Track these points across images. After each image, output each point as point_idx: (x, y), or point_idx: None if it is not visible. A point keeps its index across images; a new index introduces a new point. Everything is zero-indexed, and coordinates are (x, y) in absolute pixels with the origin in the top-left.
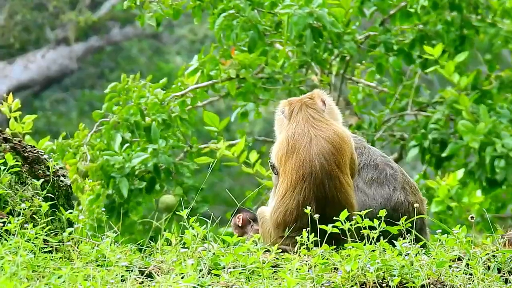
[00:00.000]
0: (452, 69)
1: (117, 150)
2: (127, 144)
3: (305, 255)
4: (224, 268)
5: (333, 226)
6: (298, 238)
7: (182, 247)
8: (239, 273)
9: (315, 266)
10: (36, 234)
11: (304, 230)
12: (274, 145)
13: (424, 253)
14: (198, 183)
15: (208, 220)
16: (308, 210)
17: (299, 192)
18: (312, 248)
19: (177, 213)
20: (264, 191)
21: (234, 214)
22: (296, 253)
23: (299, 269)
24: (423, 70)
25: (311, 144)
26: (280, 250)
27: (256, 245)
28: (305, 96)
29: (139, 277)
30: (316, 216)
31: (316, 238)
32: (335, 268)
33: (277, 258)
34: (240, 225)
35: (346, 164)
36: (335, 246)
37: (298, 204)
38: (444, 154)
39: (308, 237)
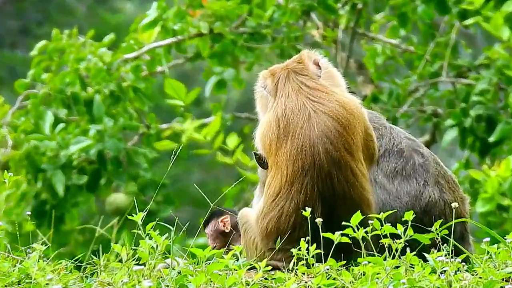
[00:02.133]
0: (499, 21)
1: (48, 133)
2: (61, 125)
3: (304, 273)
4: None
5: (342, 234)
6: (294, 250)
7: (136, 264)
8: None
9: None
10: None
11: (302, 239)
12: (258, 128)
13: (466, 271)
14: (158, 177)
15: (171, 227)
16: (307, 212)
17: (298, 190)
18: (313, 264)
19: (130, 217)
20: (247, 186)
21: (213, 217)
22: (292, 271)
23: None
24: (461, 22)
25: (310, 123)
26: (270, 268)
27: (237, 260)
28: (290, 61)
29: None
30: (319, 220)
31: (319, 251)
32: None
33: (266, 279)
34: (227, 230)
35: (358, 147)
36: (345, 262)
37: (297, 206)
38: (492, 139)
39: (308, 249)
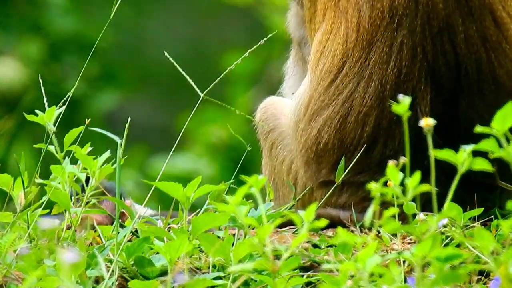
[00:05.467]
0: None
1: None
2: None
3: (394, 235)
4: (163, 272)
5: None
6: (373, 186)
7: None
8: None
9: (424, 266)
10: None
11: (391, 162)
12: None
13: None
14: (87, 29)
15: (118, 139)
16: (402, 104)
17: (383, 61)
18: (415, 215)
19: (29, 117)
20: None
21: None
22: (370, 229)
23: (379, 277)
24: None
25: None
26: (324, 223)
27: (256, 207)
28: None
29: None
30: (430, 122)
31: (427, 187)
32: (480, 274)
33: (315, 246)
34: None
35: None
36: (481, 210)
37: (381, 94)
38: None
39: (403, 183)
